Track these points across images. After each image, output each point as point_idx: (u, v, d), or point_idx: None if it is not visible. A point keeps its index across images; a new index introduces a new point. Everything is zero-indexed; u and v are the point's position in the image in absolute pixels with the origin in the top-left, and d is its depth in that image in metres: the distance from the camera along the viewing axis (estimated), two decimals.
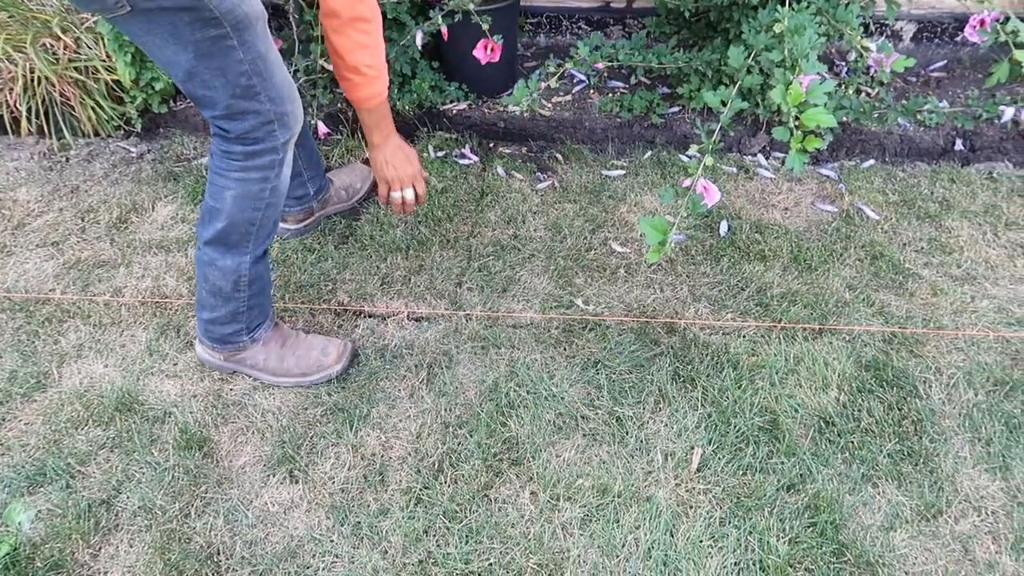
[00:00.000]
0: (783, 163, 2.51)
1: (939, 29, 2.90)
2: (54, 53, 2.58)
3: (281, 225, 2.20)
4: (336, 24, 1.57)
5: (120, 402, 1.80)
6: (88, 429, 1.76)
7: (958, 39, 2.91)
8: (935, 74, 2.84)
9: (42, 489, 1.65)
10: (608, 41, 2.59)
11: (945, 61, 2.88)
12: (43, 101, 2.61)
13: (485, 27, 2.10)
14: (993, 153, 2.52)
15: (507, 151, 2.58)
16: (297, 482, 1.66)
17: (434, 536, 1.56)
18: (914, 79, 2.81)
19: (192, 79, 1.47)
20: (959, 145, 2.52)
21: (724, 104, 1.89)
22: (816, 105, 1.72)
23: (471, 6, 2.19)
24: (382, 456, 1.70)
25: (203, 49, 1.42)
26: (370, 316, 2.01)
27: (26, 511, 1.61)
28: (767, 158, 2.53)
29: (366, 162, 2.52)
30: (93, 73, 2.61)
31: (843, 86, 2.59)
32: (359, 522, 1.58)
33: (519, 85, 2.16)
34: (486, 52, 2.16)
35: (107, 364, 1.91)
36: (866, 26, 2.76)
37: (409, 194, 1.93)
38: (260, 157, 1.59)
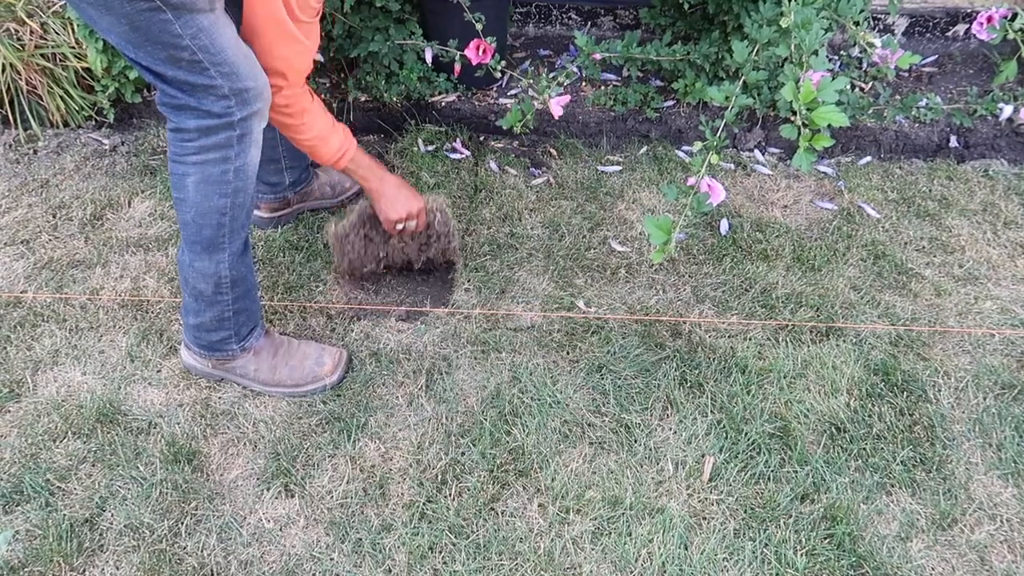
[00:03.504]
0: (780, 159, 2.47)
1: (931, 24, 2.88)
2: (19, 39, 2.44)
3: (254, 212, 2.10)
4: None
5: (101, 412, 1.71)
6: (67, 442, 1.66)
7: (949, 34, 2.90)
8: (926, 69, 2.82)
9: (19, 508, 1.55)
10: (603, 37, 2.52)
11: (936, 56, 2.87)
12: (8, 90, 2.47)
13: (479, 27, 2.02)
14: (987, 150, 2.51)
15: (499, 145, 2.50)
16: (293, 496, 1.58)
17: (440, 553, 1.49)
18: (906, 74, 2.79)
19: (132, 49, 1.39)
20: (953, 142, 2.51)
21: (727, 100, 1.84)
22: (826, 103, 1.68)
23: (466, 1, 2.11)
24: (382, 468, 1.62)
25: (136, 21, 1.33)
26: (363, 318, 1.93)
27: (3, 532, 1.51)
28: (763, 153, 2.49)
29: None
30: (61, 60, 2.48)
31: (836, 77, 2.55)
32: (360, 539, 1.51)
33: (513, 109, 2.08)
34: (478, 53, 2.08)
35: (85, 371, 1.80)
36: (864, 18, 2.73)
37: (411, 224, 1.92)
38: (216, 133, 1.47)
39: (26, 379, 1.79)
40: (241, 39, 1.47)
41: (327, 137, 1.70)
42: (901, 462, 1.62)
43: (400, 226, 1.90)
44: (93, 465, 1.62)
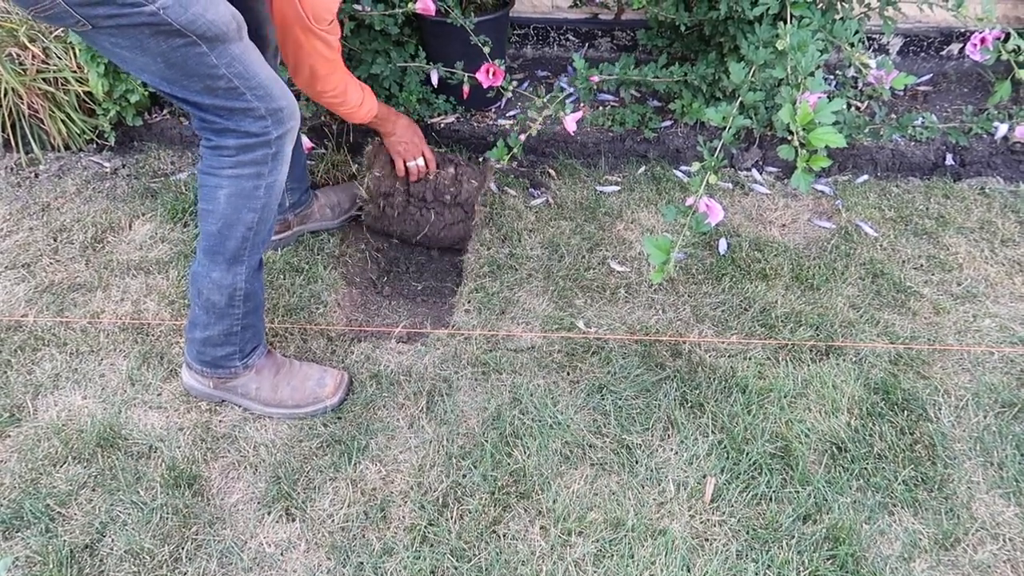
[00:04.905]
0: (777, 178, 2.49)
1: (925, 43, 2.91)
2: (21, 63, 2.46)
3: None
4: (311, 94, 1.82)
5: (101, 436, 1.70)
6: (68, 467, 1.66)
7: (943, 53, 2.93)
8: (922, 88, 2.84)
9: (19, 534, 1.55)
10: (600, 58, 2.54)
11: (931, 75, 2.89)
12: (10, 114, 2.49)
13: (487, 50, 2.04)
14: (983, 168, 2.53)
15: (498, 166, 2.51)
16: (294, 520, 1.58)
17: None
18: (902, 93, 2.81)
19: (168, 85, 1.45)
20: (950, 160, 2.53)
21: (725, 120, 1.85)
22: (824, 124, 1.70)
23: (470, 25, 2.13)
24: (383, 491, 1.62)
25: (172, 58, 1.39)
26: (363, 340, 1.94)
27: (2, 559, 1.50)
28: (761, 172, 2.51)
29: (351, 177, 2.44)
30: (63, 84, 2.49)
31: (833, 99, 2.57)
32: (362, 563, 1.51)
33: (499, 144, 2.11)
34: (488, 76, 2.10)
35: (86, 395, 1.80)
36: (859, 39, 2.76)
37: (420, 162, 2.16)
38: (253, 151, 1.53)
39: (26, 403, 1.78)
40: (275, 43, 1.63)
41: (361, 103, 1.92)
42: (903, 481, 1.62)
43: (412, 164, 2.15)
44: (93, 490, 1.62)
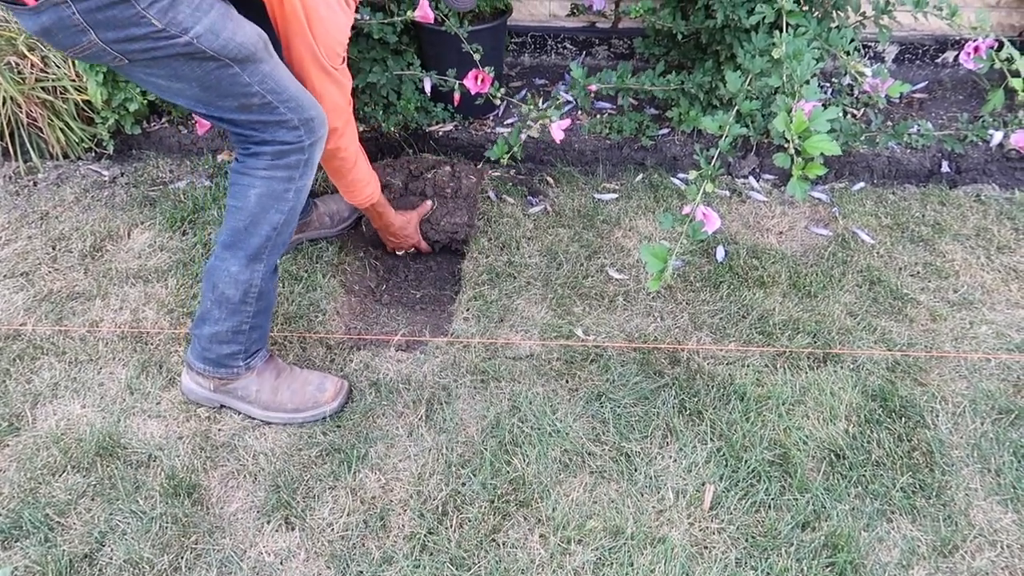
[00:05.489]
0: (774, 185, 2.50)
1: (920, 51, 2.92)
2: (20, 72, 2.47)
3: None
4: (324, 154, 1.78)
5: (100, 445, 1.70)
6: (67, 476, 1.66)
7: (939, 60, 2.94)
8: (917, 95, 2.86)
9: (18, 544, 1.54)
10: (597, 66, 2.55)
11: (927, 82, 2.91)
12: (8, 122, 2.49)
13: (477, 57, 2.05)
14: (978, 175, 2.54)
15: (496, 173, 2.52)
16: (294, 529, 1.58)
17: None
18: (897, 100, 2.82)
19: (204, 106, 1.53)
20: (945, 167, 2.54)
21: (721, 129, 1.86)
22: (819, 132, 1.70)
23: (463, 33, 2.14)
24: (383, 499, 1.62)
25: (207, 81, 1.47)
26: (363, 348, 1.94)
27: (1, 569, 1.50)
28: (758, 180, 2.52)
29: None
30: (62, 93, 2.50)
31: (828, 107, 2.58)
32: (361, 571, 1.51)
33: (499, 141, 2.13)
34: (476, 82, 2.11)
35: (85, 404, 1.80)
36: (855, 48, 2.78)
37: (411, 250, 2.28)
38: (287, 156, 1.61)
39: (25, 412, 1.78)
40: None
41: (368, 182, 1.95)
42: (901, 488, 1.63)
43: (400, 252, 2.25)
44: (92, 499, 1.62)
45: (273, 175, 1.61)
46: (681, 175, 2.52)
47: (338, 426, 1.76)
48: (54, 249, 2.22)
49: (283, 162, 1.61)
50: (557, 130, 2.09)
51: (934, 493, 1.62)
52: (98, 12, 1.36)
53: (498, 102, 2.22)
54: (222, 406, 1.80)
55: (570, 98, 2.73)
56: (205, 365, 1.74)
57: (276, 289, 1.78)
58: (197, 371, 1.75)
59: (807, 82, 1.79)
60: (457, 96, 2.30)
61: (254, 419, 1.77)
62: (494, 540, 1.55)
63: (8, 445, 1.72)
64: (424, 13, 2.09)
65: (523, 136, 2.15)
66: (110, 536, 1.56)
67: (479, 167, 2.37)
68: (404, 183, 2.28)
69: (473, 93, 2.20)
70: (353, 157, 1.86)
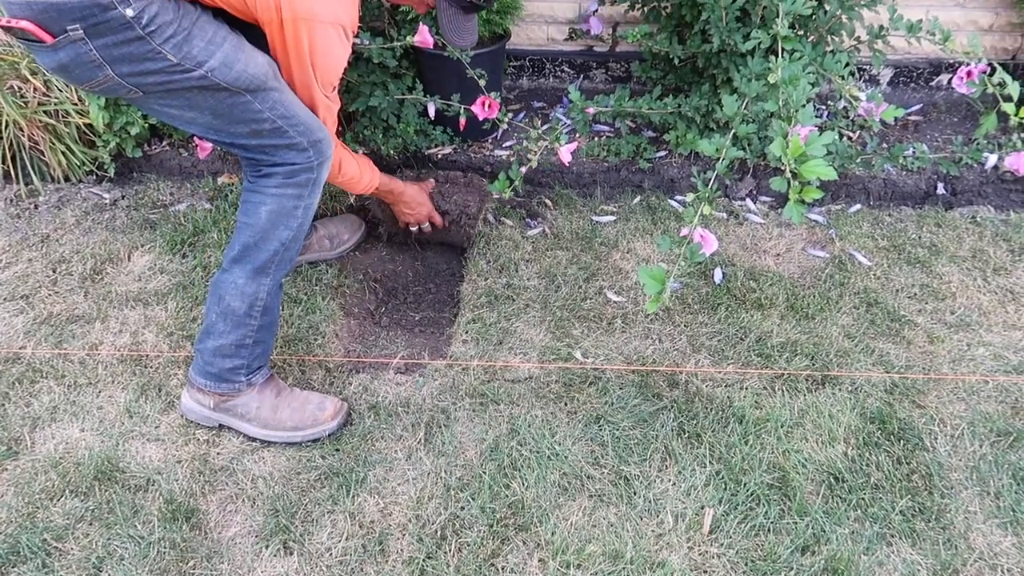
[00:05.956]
0: (771, 207, 2.51)
1: (915, 74, 2.95)
2: (22, 96, 2.49)
3: None
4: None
5: (99, 470, 1.70)
6: (65, 500, 1.65)
7: (933, 83, 2.97)
8: (912, 118, 2.89)
9: (15, 569, 1.54)
10: (595, 90, 2.58)
11: (921, 104, 2.94)
12: (10, 146, 2.51)
13: (482, 83, 2.08)
14: (974, 197, 2.56)
15: (495, 196, 2.53)
16: (292, 554, 1.57)
17: None
18: (893, 122, 2.85)
19: (215, 134, 1.58)
20: (941, 189, 2.56)
21: (718, 152, 1.88)
22: (815, 157, 1.72)
23: (466, 58, 2.17)
24: (381, 523, 1.62)
25: (219, 110, 1.52)
26: (362, 371, 1.94)
27: None
28: (755, 202, 2.53)
29: (350, 209, 2.46)
30: (64, 117, 2.52)
31: (825, 130, 2.61)
32: None
33: (500, 176, 2.16)
34: (484, 108, 2.14)
35: (83, 428, 1.80)
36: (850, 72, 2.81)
37: (427, 226, 2.32)
38: (298, 175, 1.67)
39: (24, 436, 1.78)
40: None
41: (359, 175, 2.00)
42: (900, 512, 1.62)
43: (415, 228, 2.31)
44: (91, 524, 1.61)
45: (284, 192, 1.66)
46: (678, 197, 2.53)
47: (337, 449, 1.76)
48: (54, 272, 2.23)
49: (293, 180, 1.66)
50: (565, 153, 2.12)
51: (933, 516, 1.62)
52: (114, 48, 1.41)
53: (505, 126, 2.26)
54: (221, 426, 1.80)
55: (568, 121, 2.75)
56: (207, 380, 1.74)
57: (280, 307, 1.81)
58: (198, 387, 1.75)
59: (803, 107, 1.81)
60: (463, 121, 2.32)
61: (253, 440, 1.77)
62: (493, 565, 1.54)
63: (6, 469, 1.72)
64: (423, 38, 2.11)
65: (523, 169, 2.18)
66: (108, 561, 1.55)
67: (481, 189, 2.42)
68: (415, 177, 2.43)
69: (481, 119, 2.22)
70: (337, 164, 1.90)
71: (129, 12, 1.37)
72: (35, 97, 2.49)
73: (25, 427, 1.80)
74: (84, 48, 1.40)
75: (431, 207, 2.29)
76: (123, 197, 2.54)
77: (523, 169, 2.17)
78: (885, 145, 2.67)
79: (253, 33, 1.58)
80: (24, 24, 1.38)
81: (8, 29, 1.40)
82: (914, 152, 2.50)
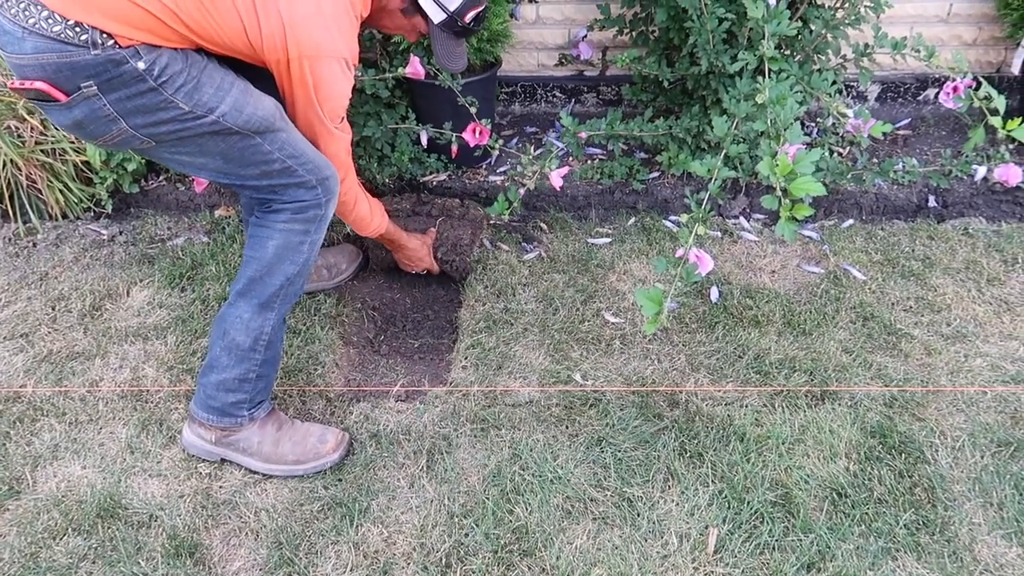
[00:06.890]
0: (765, 224, 2.53)
1: (902, 89, 2.99)
2: (20, 135, 2.51)
3: None
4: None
5: (101, 507, 1.70)
6: (67, 539, 1.65)
7: (920, 98, 3.01)
8: (901, 131, 2.92)
9: None
10: (586, 114, 2.61)
11: (910, 119, 2.97)
12: (8, 185, 2.53)
13: (473, 111, 2.10)
14: (965, 208, 2.58)
15: (490, 221, 2.55)
16: None
17: None
18: (882, 137, 2.87)
19: (226, 176, 1.61)
20: (932, 202, 2.58)
21: (710, 172, 1.90)
22: (804, 174, 1.74)
23: (457, 87, 2.20)
24: (386, 553, 1.61)
25: (230, 154, 1.55)
26: (362, 400, 1.95)
27: None
28: (748, 220, 2.55)
29: (347, 238, 2.48)
30: (61, 155, 2.54)
31: (814, 147, 2.63)
32: None
33: (499, 199, 2.18)
34: (475, 135, 2.16)
35: (85, 465, 1.80)
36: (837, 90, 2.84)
37: (423, 271, 2.35)
38: (305, 212, 1.69)
39: (25, 475, 1.78)
40: None
41: (371, 216, 2.01)
42: (904, 526, 1.62)
43: (413, 271, 2.34)
44: (94, 562, 1.61)
45: (291, 228, 1.68)
46: (673, 217, 2.55)
47: (339, 479, 1.76)
48: (53, 309, 2.23)
49: (301, 216, 1.68)
50: (556, 178, 2.14)
51: (938, 529, 1.62)
52: (127, 101, 1.44)
53: (496, 153, 2.28)
54: (223, 460, 1.80)
55: (561, 145, 2.78)
56: (209, 414, 1.75)
57: (283, 343, 1.82)
58: (200, 422, 1.76)
59: (791, 125, 1.83)
60: (455, 148, 2.35)
61: (255, 473, 1.77)
62: None
63: (8, 509, 1.71)
64: (415, 69, 2.14)
65: (521, 191, 2.20)
66: None
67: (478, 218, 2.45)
68: (411, 207, 2.44)
69: (472, 146, 2.25)
70: (353, 200, 1.91)
71: (141, 65, 1.41)
72: (32, 136, 2.51)
73: (27, 466, 1.80)
74: (98, 104, 1.43)
75: (430, 260, 2.31)
76: (121, 233, 2.55)
77: (521, 191, 2.19)
78: (875, 160, 2.70)
79: (254, 75, 1.61)
80: (39, 85, 1.41)
81: (22, 91, 1.42)
82: (904, 166, 2.52)
